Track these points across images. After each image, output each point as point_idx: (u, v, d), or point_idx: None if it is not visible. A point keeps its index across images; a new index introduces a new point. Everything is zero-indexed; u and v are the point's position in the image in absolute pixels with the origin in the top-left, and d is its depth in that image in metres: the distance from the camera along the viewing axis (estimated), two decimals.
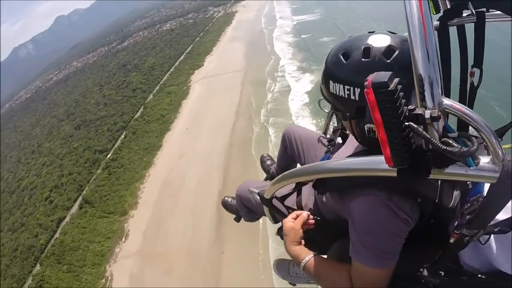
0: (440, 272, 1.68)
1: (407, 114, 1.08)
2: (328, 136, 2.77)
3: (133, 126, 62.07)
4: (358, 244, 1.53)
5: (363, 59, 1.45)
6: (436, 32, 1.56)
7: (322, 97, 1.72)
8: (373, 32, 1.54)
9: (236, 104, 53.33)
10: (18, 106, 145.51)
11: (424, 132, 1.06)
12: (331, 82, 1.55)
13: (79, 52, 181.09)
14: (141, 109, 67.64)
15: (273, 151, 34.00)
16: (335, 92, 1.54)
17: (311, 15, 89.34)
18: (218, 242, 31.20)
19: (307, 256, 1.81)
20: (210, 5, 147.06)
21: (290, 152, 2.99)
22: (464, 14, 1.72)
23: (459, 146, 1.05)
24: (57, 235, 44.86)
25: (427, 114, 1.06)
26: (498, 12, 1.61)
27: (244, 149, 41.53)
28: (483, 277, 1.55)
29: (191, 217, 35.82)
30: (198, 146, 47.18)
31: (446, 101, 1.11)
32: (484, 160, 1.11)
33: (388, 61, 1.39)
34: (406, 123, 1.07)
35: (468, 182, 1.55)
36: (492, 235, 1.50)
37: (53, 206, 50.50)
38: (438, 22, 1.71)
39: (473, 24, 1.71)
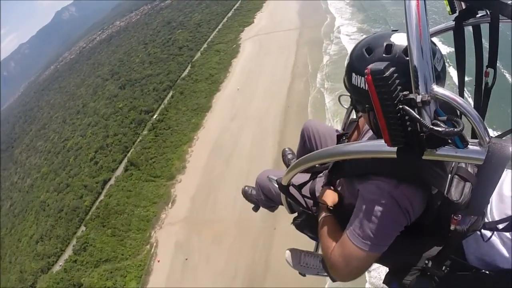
0: (445, 264, 1.65)
1: (401, 98, 1.22)
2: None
3: (180, 85, 59.36)
4: (355, 220, 1.64)
5: (384, 55, 1.54)
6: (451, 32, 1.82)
7: (342, 94, 1.93)
8: (396, 30, 1.62)
9: (292, 65, 49.48)
10: (63, 67, 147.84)
11: (415, 114, 1.18)
12: (353, 74, 1.63)
13: (121, 11, 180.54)
14: (189, 68, 64.82)
15: (331, 120, 34.89)
16: (356, 84, 1.63)
17: None
18: (271, 217, 27.56)
19: (325, 214, 1.99)
20: None
21: (308, 147, 3.00)
22: (479, 15, 1.76)
23: (446, 127, 1.16)
24: (102, 197, 43.69)
25: (419, 98, 1.20)
26: None
27: (301, 115, 38.06)
28: (488, 272, 1.58)
29: (243, 183, 32.33)
30: (251, 108, 43.92)
31: (437, 88, 1.23)
32: (473, 142, 1.22)
33: (407, 58, 1.37)
34: (400, 106, 1.21)
35: None
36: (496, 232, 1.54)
37: (98, 167, 49.35)
38: (454, 23, 1.79)
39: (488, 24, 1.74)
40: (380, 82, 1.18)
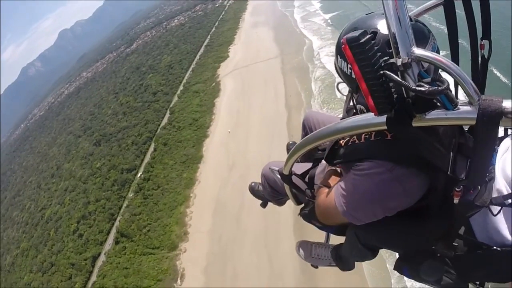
0: (455, 244, 1.66)
1: (382, 64, 1.25)
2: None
3: (162, 135, 54.66)
4: (345, 184, 1.68)
5: None
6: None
7: (340, 82, 1.89)
8: None
9: (284, 96, 46.09)
10: (33, 125, 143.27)
11: (397, 77, 1.21)
12: (338, 56, 1.71)
13: (87, 62, 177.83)
14: (168, 115, 60.67)
15: None
16: (341, 67, 1.70)
17: None
18: (307, 279, 24.24)
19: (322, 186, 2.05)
20: None
21: None
22: None
23: (430, 86, 1.17)
24: (94, 277, 37.90)
25: (399, 61, 1.23)
26: None
27: None
28: (499, 249, 1.56)
29: (264, 246, 28.62)
30: (250, 152, 39.49)
31: (417, 50, 1.25)
32: (462, 102, 1.24)
33: (390, 50, 1.41)
34: (381, 72, 1.23)
35: None
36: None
37: (84, 241, 43.55)
38: None
39: None
40: (357, 50, 1.20)
